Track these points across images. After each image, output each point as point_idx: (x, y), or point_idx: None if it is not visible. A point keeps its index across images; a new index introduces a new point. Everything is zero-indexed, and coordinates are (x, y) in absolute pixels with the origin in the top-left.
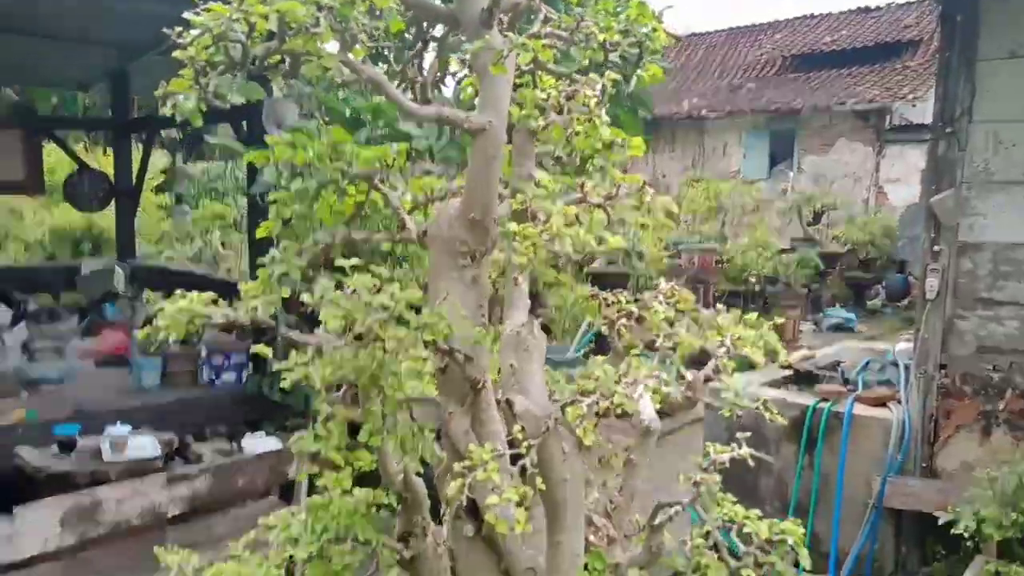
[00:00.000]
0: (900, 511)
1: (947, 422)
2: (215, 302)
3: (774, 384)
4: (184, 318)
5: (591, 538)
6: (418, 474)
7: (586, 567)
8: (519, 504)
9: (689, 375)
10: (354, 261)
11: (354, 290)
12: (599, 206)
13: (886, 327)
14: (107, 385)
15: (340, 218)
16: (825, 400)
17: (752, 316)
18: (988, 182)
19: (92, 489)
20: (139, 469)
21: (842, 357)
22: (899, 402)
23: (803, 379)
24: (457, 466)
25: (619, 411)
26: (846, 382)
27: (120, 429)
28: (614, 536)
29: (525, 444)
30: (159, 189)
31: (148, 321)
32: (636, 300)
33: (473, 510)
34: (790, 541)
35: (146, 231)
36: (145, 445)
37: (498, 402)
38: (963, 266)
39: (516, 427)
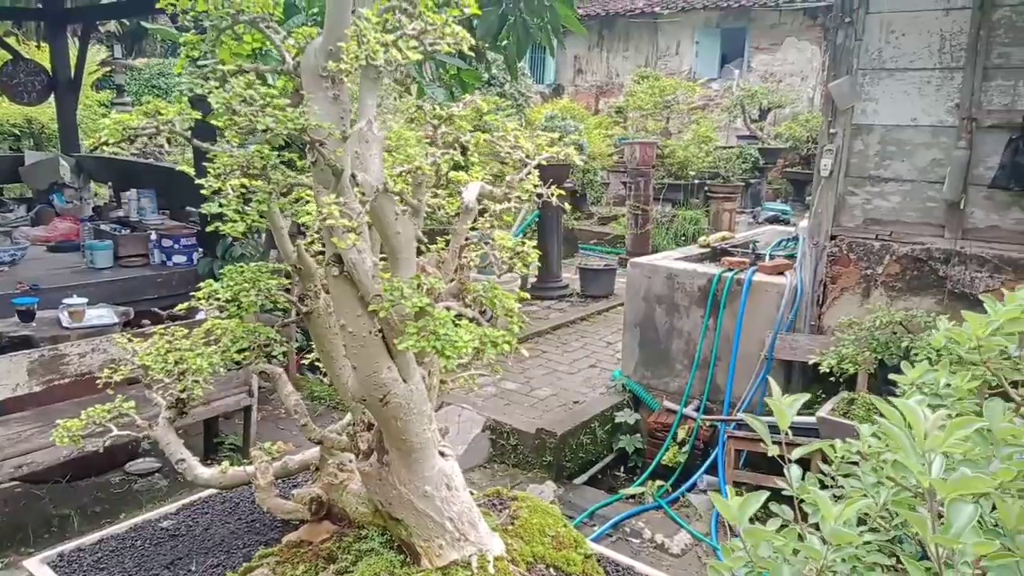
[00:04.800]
0: (790, 362)
1: (833, 286)
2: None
3: (689, 259)
4: (120, 127)
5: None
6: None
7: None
8: (352, 230)
9: (508, 177)
10: (232, 67)
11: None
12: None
13: None
14: (61, 267)
15: (239, 59)
16: (730, 270)
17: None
18: (880, 68)
19: (56, 345)
20: (98, 335)
21: (760, 239)
22: (795, 270)
23: (718, 255)
24: (320, 221)
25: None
26: (757, 257)
27: (77, 300)
28: (439, 277)
29: (363, 203)
30: (99, 84)
31: None
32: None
33: (340, 259)
34: (528, 250)
35: (88, 128)
36: (103, 315)
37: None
38: (855, 147)
39: (357, 191)
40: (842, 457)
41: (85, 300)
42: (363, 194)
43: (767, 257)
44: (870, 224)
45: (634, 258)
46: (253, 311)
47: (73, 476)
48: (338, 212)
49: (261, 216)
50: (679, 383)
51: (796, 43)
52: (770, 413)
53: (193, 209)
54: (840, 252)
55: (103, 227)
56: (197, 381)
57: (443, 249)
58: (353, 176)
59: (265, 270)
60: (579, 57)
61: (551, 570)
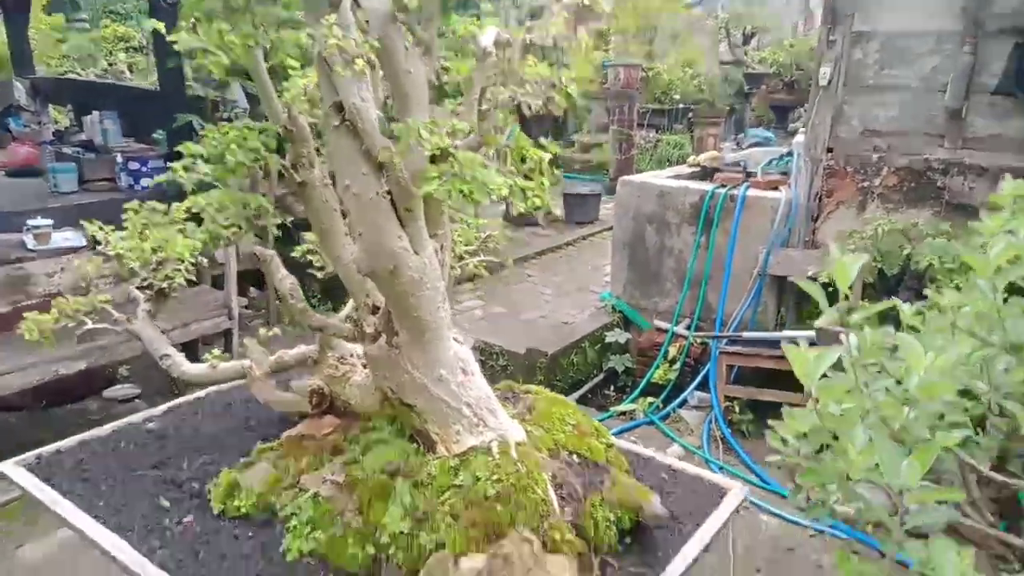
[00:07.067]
0: (783, 278)
1: (829, 199)
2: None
3: (680, 177)
4: None
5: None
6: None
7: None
8: (358, 57)
9: (528, 23)
10: None
11: None
12: None
13: None
14: (22, 192)
15: None
16: (723, 186)
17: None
18: None
19: (21, 264)
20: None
21: (749, 159)
22: (790, 186)
23: (709, 174)
24: (320, 49)
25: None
26: (748, 175)
27: (42, 221)
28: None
29: (367, 32)
30: (51, 8)
31: None
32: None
33: (340, 108)
34: (567, 81)
35: (42, 54)
36: (69, 237)
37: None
38: (855, 55)
39: (361, 15)
40: (873, 344)
41: (51, 222)
42: (367, 21)
43: (759, 174)
44: (868, 135)
45: (624, 176)
46: (240, 173)
47: (49, 403)
48: (340, 33)
49: (246, 48)
50: (669, 302)
51: None
52: (761, 329)
53: (159, 135)
54: (837, 165)
55: (65, 150)
56: (179, 269)
57: (458, 105)
58: (356, 2)
59: (252, 128)
60: None
61: (574, 456)
